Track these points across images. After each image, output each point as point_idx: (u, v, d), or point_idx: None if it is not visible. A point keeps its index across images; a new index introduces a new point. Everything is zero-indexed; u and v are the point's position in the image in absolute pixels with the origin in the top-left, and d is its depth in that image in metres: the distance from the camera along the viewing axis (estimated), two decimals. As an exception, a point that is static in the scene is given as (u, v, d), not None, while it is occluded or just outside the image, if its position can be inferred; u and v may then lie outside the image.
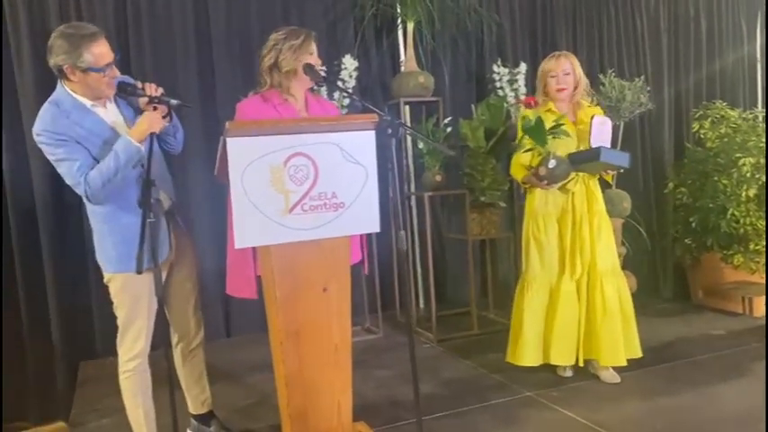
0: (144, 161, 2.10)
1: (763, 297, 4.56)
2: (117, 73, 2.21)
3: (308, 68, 2.40)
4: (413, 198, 4.68)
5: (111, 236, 2.26)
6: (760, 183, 4.48)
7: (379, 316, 4.24)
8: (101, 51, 2.11)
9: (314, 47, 2.44)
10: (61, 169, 2.16)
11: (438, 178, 4.14)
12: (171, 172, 2.51)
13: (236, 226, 1.96)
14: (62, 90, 2.18)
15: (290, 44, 2.39)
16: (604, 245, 3.07)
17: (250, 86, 2.58)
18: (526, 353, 3.12)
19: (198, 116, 4.09)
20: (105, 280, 2.34)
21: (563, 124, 2.98)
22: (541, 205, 3.11)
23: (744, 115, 4.84)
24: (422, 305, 4.75)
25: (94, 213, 2.28)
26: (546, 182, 2.96)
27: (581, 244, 3.04)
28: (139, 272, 1.77)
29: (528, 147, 3.04)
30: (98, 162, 2.15)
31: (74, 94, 2.18)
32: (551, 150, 2.93)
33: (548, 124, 2.96)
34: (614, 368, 3.12)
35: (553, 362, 3.11)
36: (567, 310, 3.06)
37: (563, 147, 2.99)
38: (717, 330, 4.01)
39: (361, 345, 3.99)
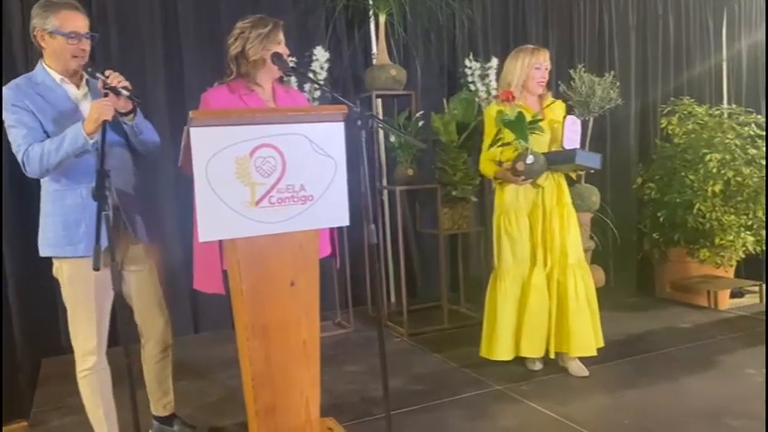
0: (99, 149, 2.04)
1: (728, 291, 4.65)
2: (86, 46, 2.21)
3: (277, 58, 2.34)
4: (385, 192, 4.65)
5: (52, 216, 2.22)
6: (725, 178, 4.56)
7: (350, 311, 4.22)
8: (69, 19, 2.16)
9: (282, 36, 2.39)
10: (10, 136, 2.17)
11: (410, 172, 4.13)
12: (137, 166, 2.42)
13: (200, 219, 1.90)
14: (39, 65, 2.24)
15: (258, 33, 2.33)
16: (573, 237, 3.10)
17: (219, 77, 2.52)
18: (501, 347, 3.12)
19: (164, 107, 4.01)
20: (54, 270, 2.28)
21: (541, 120, 3.00)
22: (512, 200, 3.11)
23: (710, 112, 4.92)
24: (393, 299, 4.73)
25: (46, 192, 2.25)
26: (523, 177, 2.96)
27: (551, 237, 3.06)
28: (96, 269, 1.71)
29: (505, 141, 3.00)
30: (49, 137, 2.15)
31: (47, 69, 2.22)
32: (529, 146, 2.92)
33: None
34: (582, 361, 3.14)
35: (524, 354, 3.12)
36: (537, 303, 3.07)
37: (535, 143, 2.98)
38: (683, 324, 4.07)
39: (332, 340, 3.97)
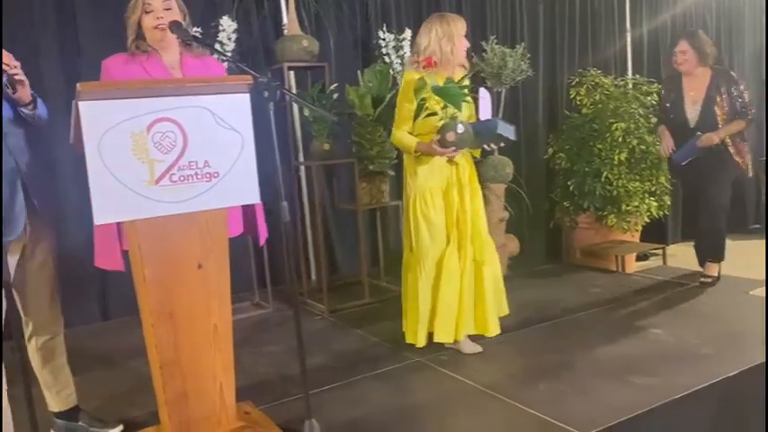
0: None
1: (634, 255, 4.88)
2: None
3: (176, 27, 2.23)
4: (302, 168, 4.55)
5: None
6: (630, 147, 4.75)
7: (268, 290, 4.12)
8: None
9: (172, 2, 2.29)
10: None
11: (326, 147, 4.04)
12: (29, 142, 2.24)
13: (95, 200, 1.76)
14: None
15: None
16: (483, 213, 3.06)
17: (118, 42, 2.38)
18: (423, 333, 3.02)
19: (59, 76, 3.71)
20: None
21: (468, 86, 2.92)
22: (427, 179, 2.96)
23: (616, 82, 5.09)
24: (313, 277, 4.66)
25: None
26: (453, 149, 2.81)
27: (464, 215, 2.98)
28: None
29: (431, 111, 2.84)
30: None
31: None
32: (458, 115, 2.81)
33: None
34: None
35: (436, 340, 2.99)
36: (451, 286, 2.95)
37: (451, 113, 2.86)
38: (593, 288, 4.24)
39: (250, 321, 3.88)
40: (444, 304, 2.96)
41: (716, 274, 4.10)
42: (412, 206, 3.01)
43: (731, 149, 3.98)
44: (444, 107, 2.83)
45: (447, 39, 2.90)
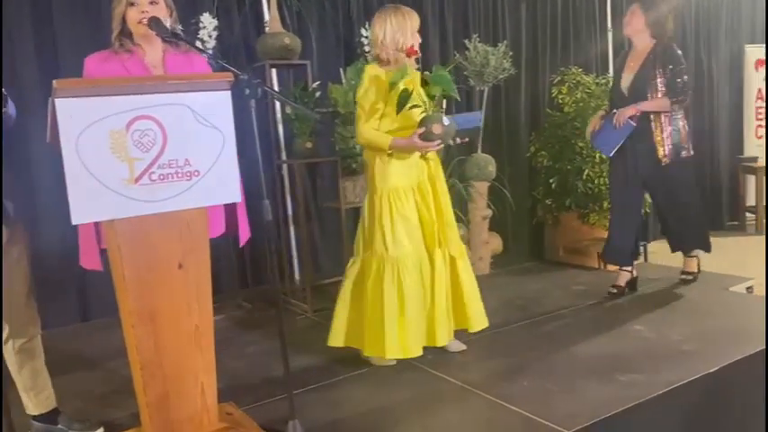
0: None
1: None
2: None
3: (154, 23, 2.20)
4: (284, 166, 4.52)
5: None
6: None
7: (250, 290, 4.09)
8: None
9: None
10: None
11: (309, 145, 4.02)
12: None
13: (72, 199, 1.73)
14: None
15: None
16: (450, 208, 3.00)
17: (96, 40, 2.35)
18: (415, 342, 2.83)
19: (35, 73, 3.64)
20: None
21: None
22: (399, 177, 2.82)
23: (597, 80, 5.12)
24: (296, 276, 4.64)
25: None
26: (438, 142, 2.70)
27: (441, 212, 2.93)
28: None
29: (414, 103, 2.73)
30: None
31: None
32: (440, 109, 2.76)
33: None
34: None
35: (439, 344, 2.90)
36: (442, 286, 2.88)
37: (417, 111, 2.80)
38: (575, 285, 4.26)
39: (233, 321, 3.84)
40: (440, 305, 2.87)
41: (696, 270, 4.13)
42: (383, 205, 2.83)
43: (653, 127, 3.71)
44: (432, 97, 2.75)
45: (401, 32, 2.79)
